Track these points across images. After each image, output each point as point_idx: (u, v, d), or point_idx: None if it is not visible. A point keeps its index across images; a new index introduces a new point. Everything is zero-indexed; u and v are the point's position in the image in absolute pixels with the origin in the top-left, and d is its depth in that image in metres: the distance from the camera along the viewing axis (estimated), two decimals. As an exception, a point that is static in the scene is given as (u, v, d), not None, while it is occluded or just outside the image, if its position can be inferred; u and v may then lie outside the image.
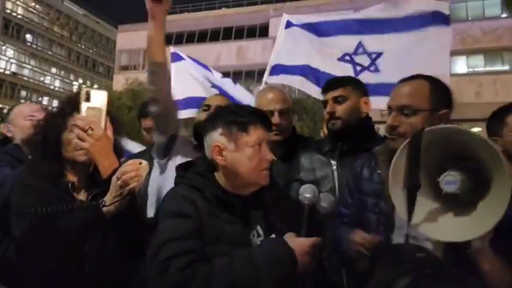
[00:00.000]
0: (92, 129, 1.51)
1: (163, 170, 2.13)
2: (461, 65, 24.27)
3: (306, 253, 1.38)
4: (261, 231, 1.54)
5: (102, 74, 51.57)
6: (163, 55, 1.88)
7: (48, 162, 1.62)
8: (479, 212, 1.25)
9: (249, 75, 24.36)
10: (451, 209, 1.31)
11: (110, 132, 1.57)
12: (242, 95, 4.02)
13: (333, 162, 2.12)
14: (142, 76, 25.95)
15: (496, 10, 22.97)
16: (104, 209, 1.45)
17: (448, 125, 1.31)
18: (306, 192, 1.53)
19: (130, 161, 1.49)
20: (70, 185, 1.62)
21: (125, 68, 30.33)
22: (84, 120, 1.52)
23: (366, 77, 3.04)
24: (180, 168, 1.61)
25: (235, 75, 25.80)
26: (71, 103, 1.67)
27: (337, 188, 2.07)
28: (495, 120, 2.34)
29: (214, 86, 3.98)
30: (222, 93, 3.69)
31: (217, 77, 4.15)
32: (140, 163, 1.48)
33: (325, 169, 2.13)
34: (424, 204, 1.32)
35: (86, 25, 53.04)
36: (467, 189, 1.26)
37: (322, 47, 3.50)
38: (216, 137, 1.50)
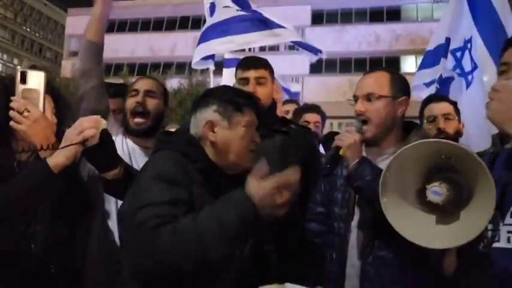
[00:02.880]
0: (28, 111, 1.45)
1: None
2: (410, 64, 25.36)
3: (266, 196, 1.27)
4: None
5: (49, 60, 49.06)
6: (103, 37, 1.99)
7: None
8: (461, 222, 1.29)
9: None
10: (435, 217, 1.35)
11: (49, 114, 1.53)
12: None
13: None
14: (93, 63, 24.87)
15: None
16: (51, 161, 1.40)
17: (439, 139, 1.36)
18: None
19: (90, 117, 1.48)
20: (16, 163, 1.54)
21: (74, 54, 28.90)
22: (20, 102, 1.46)
23: None
24: (162, 134, 1.61)
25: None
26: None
27: None
28: (420, 114, 2.61)
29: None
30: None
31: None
32: (99, 120, 1.48)
33: None
34: (410, 210, 1.36)
35: (32, 7, 50.11)
36: (451, 200, 1.30)
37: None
38: (209, 114, 1.50)
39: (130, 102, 2.06)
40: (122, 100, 2.74)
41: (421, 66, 3.85)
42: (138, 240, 1.27)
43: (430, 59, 3.72)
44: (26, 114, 1.44)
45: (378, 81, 1.77)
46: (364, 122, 1.73)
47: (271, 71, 2.21)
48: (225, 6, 4.01)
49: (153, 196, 1.33)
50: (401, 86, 1.79)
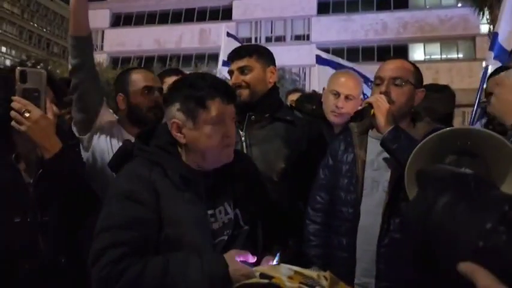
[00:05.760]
0: (29, 111, 1.45)
1: (87, 147, 2.06)
2: (419, 52, 25.09)
3: (242, 276, 1.29)
4: (229, 209, 1.48)
5: (57, 55, 49.25)
6: (87, 28, 1.91)
7: None
8: None
9: (212, 59, 24.02)
10: None
11: (50, 113, 1.52)
12: None
13: (241, 133, 2.03)
14: (100, 57, 25.00)
15: (452, -1, 23.77)
16: None
17: (453, 128, 1.32)
18: None
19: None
20: (14, 156, 1.55)
21: (81, 49, 29.01)
22: (20, 102, 1.45)
23: None
24: (139, 138, 1.52)
25: (198, 59, 25.43)
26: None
27: None
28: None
29: None
30: None
31: None
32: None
33: None
34: None
35: (39, 2, 50.25)
36: None
37: None
38: (174, 113, 1.40)
39: (150, 99, 2.09)
40: None
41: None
42: (99, 272, 1.25)
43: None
44: (26, 114, 1.45)
45: (403, 67, 1.82)
46: (388, 103, 1.75)
47: (260, 56, 2.09)
48: None
49: (110, 219, 1.31)
50: (420, 78, 1.85)
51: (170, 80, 2.28)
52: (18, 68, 1.49)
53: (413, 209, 0.76)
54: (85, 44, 1.92)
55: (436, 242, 0.68)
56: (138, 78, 2.12)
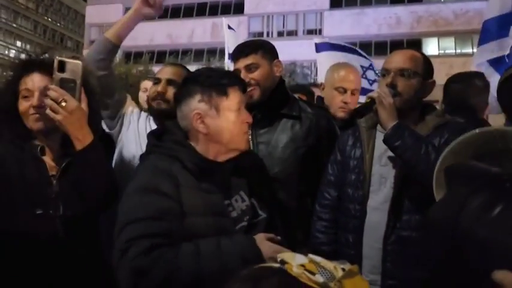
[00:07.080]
0: (65, 101, 1.45)
1: (116, 140, 2.13)
2: (432, 47, 24.72)
3: (274, 253, 1.30)
4: (245, 197, 1.51)
5: (71, 49, 49.74)
6: (120, 40, 1.95)
7: (10, 128, 1.56)
8: None
9: (223, 53, 24.02)
10: None
11: (84, 105, 1.52)
12: None
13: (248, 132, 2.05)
14: (113, 52, 25.09)
15: (468, -7, 23.34)
16: None
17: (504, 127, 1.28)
18: None
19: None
20: (39, 148, 1.57)
21: (94, 43, 29.27)
22: (57, 91, 1.46)
23: None
24: (152, 135, 1.54)
25: (210, 53, 25.44)
26: (19, 69, 1.62)
27: None
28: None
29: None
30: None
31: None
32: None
33: None
34: None
35: (53, -3, 50.75)
36: None
37: None
38: (194, 104, 1.43)
39: (153, 91, 2.11)
40: None
41: (482, 41, 3.27)
42: (130, 262, 1.24)
43: (494, 28, 3.12)
44: (63, 104, 1.44)
45: (413, 58, 1.77)
46: (394, 95, 1.72)
47: (266, 51, 2.06)
48: None
49: (137, 212, 1.32)
50: (429, 69, 1.80)
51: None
52: (57, 57, 1.50)
53: (442, 209, 0.71)
54: (114, 50, 1.97)
55: (468, 246, 0.63)
56: (158, 72, 2.20)
